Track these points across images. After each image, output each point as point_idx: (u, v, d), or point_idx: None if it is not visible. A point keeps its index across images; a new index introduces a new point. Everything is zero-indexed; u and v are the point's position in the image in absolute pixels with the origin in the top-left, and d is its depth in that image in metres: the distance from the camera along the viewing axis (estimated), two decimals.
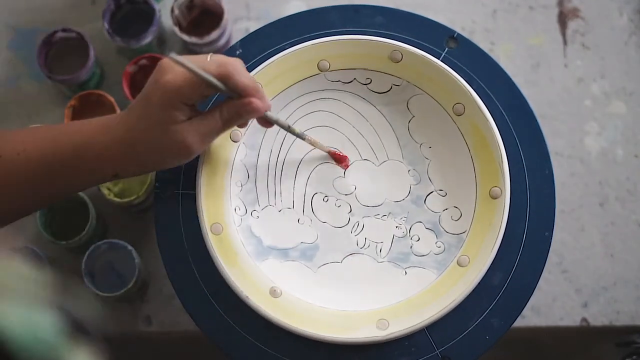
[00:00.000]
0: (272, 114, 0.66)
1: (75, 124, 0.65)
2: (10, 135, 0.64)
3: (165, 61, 0.61)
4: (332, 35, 0.72)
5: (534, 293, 0.69)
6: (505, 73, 0.72)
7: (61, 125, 0.65)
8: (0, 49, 0.91)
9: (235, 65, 0.62)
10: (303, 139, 0.69)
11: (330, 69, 0.71)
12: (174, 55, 0.58)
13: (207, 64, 0.61)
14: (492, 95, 0.72)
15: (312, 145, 0.70)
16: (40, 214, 0.80)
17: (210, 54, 0.63)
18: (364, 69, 0.72)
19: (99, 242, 0.80)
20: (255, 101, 0.62)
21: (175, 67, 0.60)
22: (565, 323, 0.86)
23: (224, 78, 0.61)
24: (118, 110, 0.83)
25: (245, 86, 0.62)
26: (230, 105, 0.63)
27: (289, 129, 0.68)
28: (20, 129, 0.66)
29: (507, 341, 0.74)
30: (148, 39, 0.85)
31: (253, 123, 0.70)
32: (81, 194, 0.81)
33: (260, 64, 0.70)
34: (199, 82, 0.60)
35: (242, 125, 0.68)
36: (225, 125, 0.63)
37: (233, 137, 0.70)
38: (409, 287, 0.68)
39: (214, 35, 0.86)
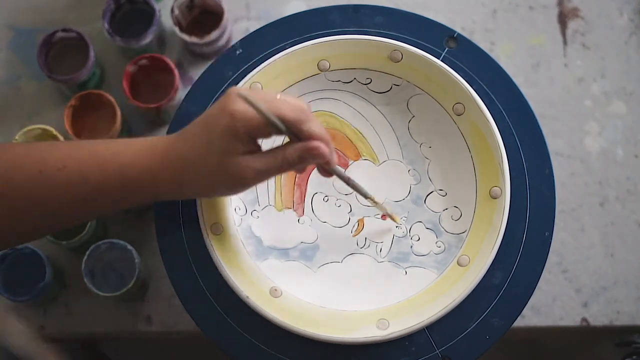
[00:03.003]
0: (339, 168, 0.64)
1: (119, 143, 0.63)
2: (52, 150, 0.62)
3: (234, 90, 0.59)
4: (332, 35, 0.72)
5: (534, 293, 0.69)
6: (505, 73, 0.72)
7: (104, 142, 0.63)
8: (0, 49, 0.91)
9: (309, 112, 0.60)
10: (366, 197, 0.68)
11: (331, 68, 0.72)
12: (244, 93, 0.56)
13: (278, 103, 0.59)
14: (492, 95, 0.72)
15: (375, 206, 0.69)
16: None
17: (279, 92, 0.61)
18: (364, 69, 0.72)
19: (99, 242, 0.80)
20: (322, 146, 0.59)
21: (246, 102, 0.58)
22: (565, 323, 0.86)
23: (298, 123, 0.59)
24: (118, 111, 0.83)
25: (318, 135, 0.60)
26: (297, 148, 0.60)
27: (349, 183, 0.66)
28: (61, 143, 0.65)
29: (507, 341, 0.75)
30: (148, 39, 0.85)
31: None
32: None
33: (260, 64, 0.70)
34: (269, 123, 0.58)
35: (301, 170, 0.65)
36: (286, 165, 0.60)
37: None
38: (409, 287, 0.68)
39: (214, 35, 0.86)
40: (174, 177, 0.61)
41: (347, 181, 0.65)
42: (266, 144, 0.66)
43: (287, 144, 0.61)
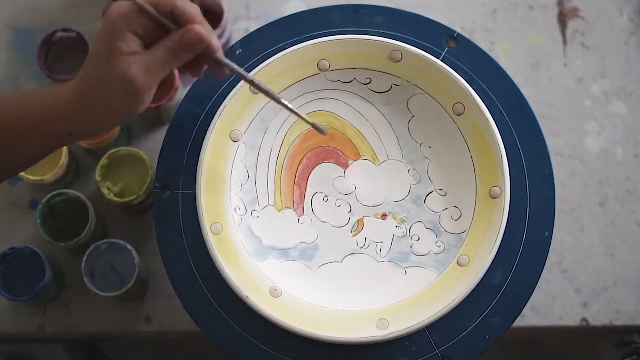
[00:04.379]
0: (226, 59, 0.62)
1: (31, 92, 0.63)
2: None
3: (115, 3, 0.60)
4: (332, 35, 0.72)
5: (534, 293, 0.69)
6: (505, 73, 0.72)
7: (17, 95, 0.64)
8: (0, 49, 0.91)
9: None
10: (279, 102, 0.65)
11: (331, 69, 0.71)
12: None
13: None
14: (492, 95, 0.72)
15: (290, 112, 0.65)
16: (40, 215, 0.80)
17: None
18: (364, 69, 0.72)
19: (99, 242, 0.80)
20: (198, 28, 0.59)
21: (122, 3, 0.59)
22: (565, 323, 0.86)
23: (171, 1, 0.59)
24: None
25: (191, 13, 0.60)
26: (175, 35, 0.60)
27: (250, 82, 0.64)
28: None
29: (507, 341, 0.75)
30: None
31: (255, 122, 0.70)
32: (81, 195, 0.81)
33: (260, 64, 0.70)
34: (140, 7, 0.59)
35: (196, 72, 0.64)
36: (170, 55, 0.59)
37: (233, 137, 0.70)
38: (409, 287, 0.68)
39: None
40: (78, 103, 0.60)
41: (245, 77, 0.64)
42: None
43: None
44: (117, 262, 0.82)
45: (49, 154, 0.65)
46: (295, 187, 0.72)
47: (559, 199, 0.76)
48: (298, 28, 0.73)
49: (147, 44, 0.60)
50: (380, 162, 0.72)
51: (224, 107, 0.69)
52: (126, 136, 0.88)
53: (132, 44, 0.59)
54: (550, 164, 0.71)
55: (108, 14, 0.60)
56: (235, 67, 0.62)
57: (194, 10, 0.60)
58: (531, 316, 0.86)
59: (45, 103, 0.61)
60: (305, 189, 0.72)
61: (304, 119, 0.66)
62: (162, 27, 0.60)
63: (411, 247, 0.70)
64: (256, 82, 0.64)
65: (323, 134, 0.68)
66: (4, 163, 0.64)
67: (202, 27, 0.60)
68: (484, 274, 0.66)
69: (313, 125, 0.66)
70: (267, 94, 0.64)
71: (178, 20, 0.60)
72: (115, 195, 0.82)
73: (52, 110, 0.61)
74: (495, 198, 0.68)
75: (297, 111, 0.65)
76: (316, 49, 0.71)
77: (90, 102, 0.60)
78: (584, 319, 0.86)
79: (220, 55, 0.61)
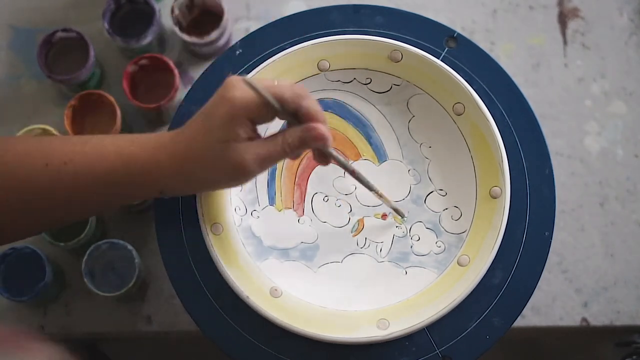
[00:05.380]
0: (335, 152, 0.64)
1: (124, 138, 0.63)
2: (58, 144, 0.63)
3: (232, 78, 0.60)
4: (332, 35, 0.72)
5: (534, 293, 0.69)
6: (505, 73, 0.72)
7: (110, 137, 0.64)
8: (0, 49, 0.91)
9: (306, 91, 0.61)
10: (371, 189, 0.68)
11: (330, 68, 0.72)
12: (245, 77, 0.57)
13: (276, 85, 0.60)
14: (492, 95, 0.72)
15: (379, 197, 0.68)
16: None
17: (277, 80, 0.62)
18: (364, 69, 0.72)
19: (99, 242, 0.80)
20: (321, 127, 0.60)
21: (242, 85, 0.59)
22: (565, 323, 0.86)
23: (297, 99, 0.60)
24: (118, 111, 0.83)
25: (316, 112, 0.60)
26: (295, 130, 0.60)
27: (351, 172, 0.65)
28: (68, 137, 0.66)
29: (507, 341, 0.75)
30: (148, 39, 0.85)
31: None
32: None
33: (260, 64, 0.70)
34: (266, 102, 0.59)
35: (295, 157, 0.65)
36: (286, 149, 0.61)
37: None
38: (409, 287, 0.68)
39: (214, 35, 0.86)
40: (178, 168, 0.61)
41: (347, 168, 0.65)
42: None
43: (286, 128, 0.61)
44: (117, 262, 0.82)
45: (132, 202, 0.66)
46: (295, 187, 0.72)
47: (559, 199, 0.76)
48: (298, 28, 0.73)
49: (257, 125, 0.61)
50: (380, 162, 0.72)
51: None
52: None
53: (249, 130, 0.60)
54: (550, 164, 0.71)
55: (227, 92, 0.59)
56: (341, 158, 0.64)
57: (318, 109, 0.61)
58: (531, 316, 0.86)
59: (144, 162, 0.61)
60: (306, 188, 0.72)
61: (393, 207, 0.70)
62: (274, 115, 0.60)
63: (411, 247, 0.70)
64: (356, 172, 0.65)
65: (402, 217, 0.71)
66: (82, 207, 0.65)
67: (324, 126, 0.60)
68: (484, 273, 0.66)
69: (396, 211, 0.70)
70: (369, 187, 0.67)
71: (300, 117, 0.60)
72: None
73: (146, 167, 0.61)
74: (495, 198, 0.68)
75: (393, 204, 0.69)
76: (316, 49, 0.71)
77: (189, 175, 0.61)
78: (584, 319, 0.86)
79: (330, 148, 0.62)
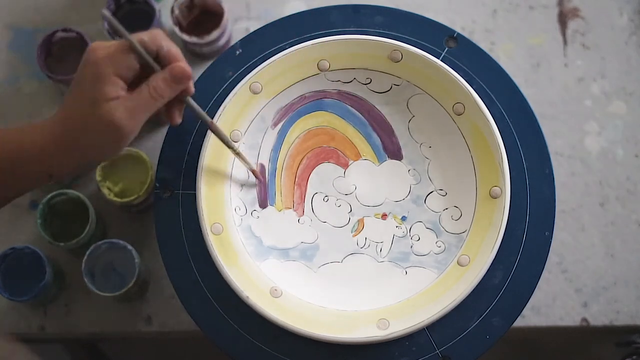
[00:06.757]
0: (192, 101, 0.65)
1: (11, 130, 0.63)
2: None
3: (94, 43, 0.61)
4: (332, 35, 0.72)
5: (534, 293, 0.69)
6: (505, 73, 0.72)
7: (4, 129, 0.64)
8: (0, 49, 0.91)
9: (164, 34, 0.62)
10: (229, 146, 0.68)
11: (330, 68, 0.72)
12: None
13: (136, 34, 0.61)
14: (492, 95, 0.72)
15: (236, 155, 0.69)
16: (40, 215, 0.80)
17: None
18: (364, 69, 0.72)
19: (99, 242, 0.80)
20: (182, 64, 0.61)
21: (104, 44, 0.60)
22: (565, 323, 0.86)
23: (157, 39, 0.61)
24: None
25: (177, 52, 0.61)
26: (158, 74, 0.61)
27: (209, 124, 0.66)
28: None
29: (507, 341, 0.75)
30: None
31: (255, 122, 0.71)
32: (81, 195, 0.81)
33: (260, 64, 0.70)
34: (128, 47, 0.60)
35: (168, 112, 0.65)
36: (153, 94, 0.61)
37: (233, 137, 0.70)
38: (409, 287, 0.68)
39: (214, 35, 0.86)
40: (61, 146, 0.61)
41: (205, 119, 0.66)
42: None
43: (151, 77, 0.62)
44: (117, 262, 0.82)
45: (24, 194, 0.65)
46: (295, 187, 0.72)
47: (559, 199, 0.76)
48: (298, 28, 0.73)
49: (129, 85, 0.61)
50: (380, 162, 0.72)
51: (224, 107, 0.69)
52: None
53: (117, 87, 0.60)
54: (550, 164, 0.71)
55: (90, 55, 0.60)
56: (197, 107, 0.65)
57: (178, 51, 0.62)
58: (531, 316, 0.86)
59: (23, 146, 0.61)
60: (306, 188, 0.72)
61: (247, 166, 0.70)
62: (144, 68, 0.61)
63: (411, 246, 0.70)
64: (214, 125, 0.66)
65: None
66: None
67: (186, 64, 0.62)
68: (484, 273, 0.66)
69: (254, 173, 0.70)
70: (227, 144, 0.67)
71: (162, 60, 0.61)
72: (116, 195, 0.82)
73: (31, 153, 0.61)
74: (495, 198, 0.68)
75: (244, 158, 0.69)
76: (316, 49, 0.71)
77: (72, 146, 0.61)
78: (584, 319, 0.86)
79: (189, 97, 0.64)
